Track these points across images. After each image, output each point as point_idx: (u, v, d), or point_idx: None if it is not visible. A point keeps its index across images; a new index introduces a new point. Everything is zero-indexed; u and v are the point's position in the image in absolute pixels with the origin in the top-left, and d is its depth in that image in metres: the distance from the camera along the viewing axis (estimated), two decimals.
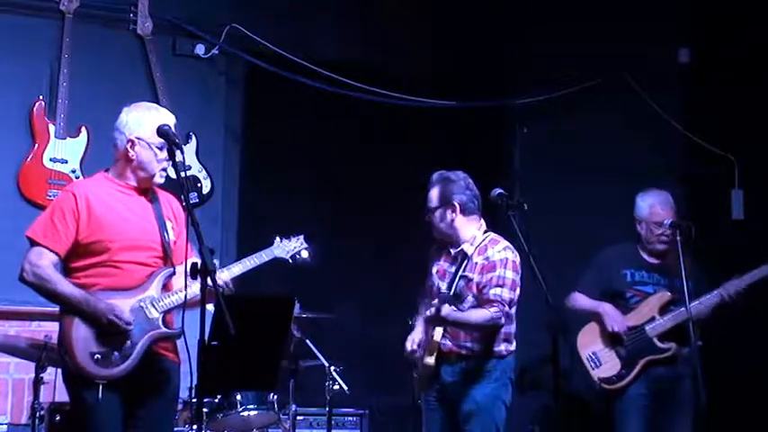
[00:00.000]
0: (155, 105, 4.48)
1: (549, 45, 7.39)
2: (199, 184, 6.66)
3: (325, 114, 7.09)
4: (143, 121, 4.29)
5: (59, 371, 4.40)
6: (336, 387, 5.82)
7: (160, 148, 4.27)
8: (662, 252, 5.81)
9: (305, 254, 4.83)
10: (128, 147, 4.29)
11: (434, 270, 5.25)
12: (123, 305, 4.18)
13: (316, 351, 5.86)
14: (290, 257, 4.78)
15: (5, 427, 5.82)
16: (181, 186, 4.23)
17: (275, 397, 5.57)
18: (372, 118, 7.15)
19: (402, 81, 7.20)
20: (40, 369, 5.06)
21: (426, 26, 7.47)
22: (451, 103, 7.35)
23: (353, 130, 7.19)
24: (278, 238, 4.77)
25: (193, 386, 4.44)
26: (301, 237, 4.86)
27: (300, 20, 7.09)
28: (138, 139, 4.28)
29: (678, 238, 5.55)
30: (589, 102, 7.32)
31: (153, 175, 4.32)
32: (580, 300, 5.82)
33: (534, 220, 6.05)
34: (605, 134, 7.27)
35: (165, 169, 4.33)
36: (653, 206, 5.83)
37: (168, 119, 4.33)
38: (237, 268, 4.50)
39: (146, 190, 4.37)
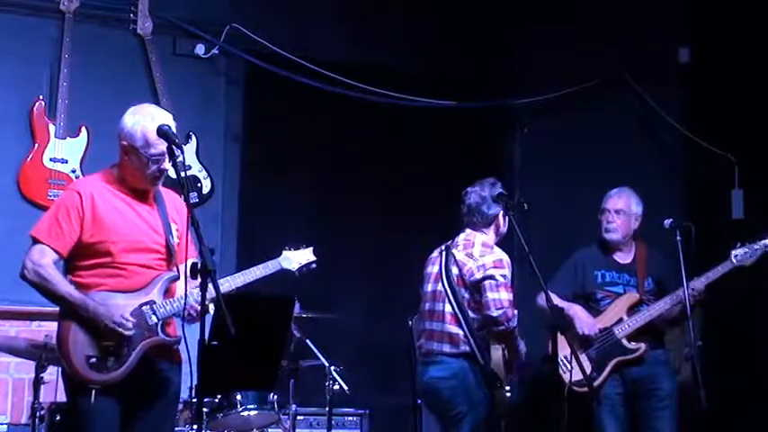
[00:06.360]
0: (153, 112, 4.34)
1: (549, 45, 7.39)
2: (199, 184, 6.65)
3: (325, 114, 7.09)
4: (136, 130, 4.24)
5: (60, 370, 4.39)
6: (336, 387, 5.82)
7: (150, 160, 4.23)
8: (616, 245, 5.87)
9: (313, 266, 4.80)
10: (122, 152, 4.29)
11: None
12: (124, 308, 4.16)
13: (316, 351, 5.86)
14: (297, 270, 4.75)
15: (5, 427, 5.82)
16: (181, 186, 4.23)
17: (275, 397, 5.57)
18: (372, 118, 7.15)
19: (402, 81, 7.20)
20: (40, 369, 5.05)
21: (426, 26, 7.47)
22: (451, 103, 7.35)
23: (353, 131, 7.18)
24: (286, 249, 4.74)
25: (193, 386, 4.43)
26: (310, 248, 4.83)
27: (300, 20, 7.08)
28: (132, 147, 4.25)
29: (678, 238, 5.57)
30: (589, 102, 7.32)
31: (145, 182, 4.29)
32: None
33: (534, 219, 6.08)
34: (605, 134, 7.28)
35: (157, 178, 4.28)
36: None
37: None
38: (242, 278, 4.49)
39: (147, 191, 4.35)
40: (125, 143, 4.26)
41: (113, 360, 4.13)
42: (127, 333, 4.13)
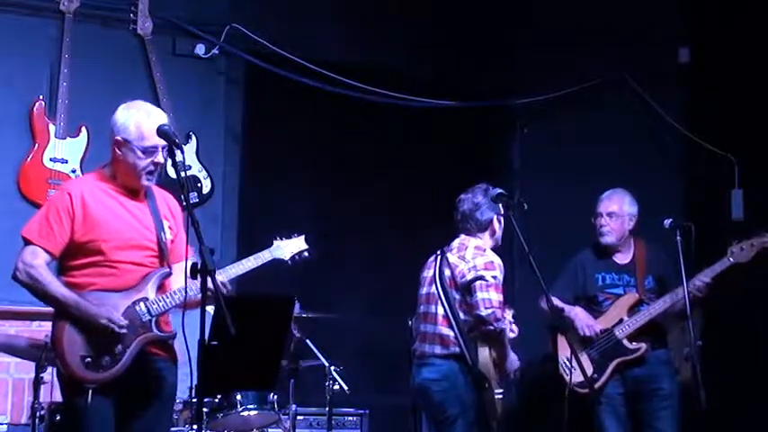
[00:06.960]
0: (147, 108, 4.35)
1: (549, 45, 7.40)
2: (199, 184, 6.65)
3: (325, 114, 7.09)
4: (130, 124, 4.24)
5: (56, 371, 4.38)
6: (336, 387, 5.82)
7: (144, 153, 4.22)
8: (614, 246, 5.87)
9: (305, 254, 4.81)
10: (115, 146, 4.28)
11: None
12: (118, 306, 4.16)
13: (316, 351, 5.86)
14: (290, 259, 4.75)
15: (5, 427, 5.82)
16: (181, 186, 4.22)
17: (275, 397, 5.57)
18: (372, 118, 7.15)
19: (402, 81, 7.20)
20: (40, 369, 5.05)
21: (427, 26, 7.47)
22: (451, 103, 7.35)
23: (353, 131, 7.19)
24: (277, 239, 4.75)
25: (193, 386, 4.43)
26: (302, 237, 4.84)
27: (300, 20, 7.08)
28: (125, 140, 4.24)
29: (678, 238, 5.58)
30: (589, 102, 7.33)
31: (138, 179, 4.27)
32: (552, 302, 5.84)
33: (534, 220, 6.07)
34: (605, 134, 7.28)
35: (151, 173, 4.27)
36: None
37: (161, 121, 4.24)
38: (235, 270, 4.47)
39: (138, 189, 4.33)
40: (118, 137, 4.25)
41: (108, 359, 4.13)
42: (119, 331, 4.12)
